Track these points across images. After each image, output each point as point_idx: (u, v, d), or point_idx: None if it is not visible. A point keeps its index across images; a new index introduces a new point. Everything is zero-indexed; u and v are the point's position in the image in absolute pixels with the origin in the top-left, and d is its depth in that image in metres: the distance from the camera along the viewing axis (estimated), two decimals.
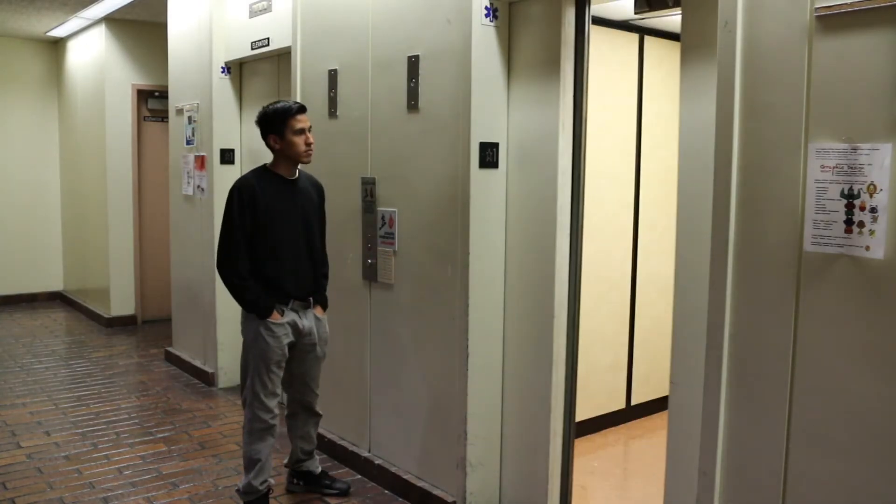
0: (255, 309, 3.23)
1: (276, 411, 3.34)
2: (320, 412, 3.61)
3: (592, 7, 3.90)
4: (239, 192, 3.22)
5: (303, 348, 3.40)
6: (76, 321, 7.69)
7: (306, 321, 3.37)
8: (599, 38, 4.26)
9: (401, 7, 3.55)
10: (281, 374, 3.34)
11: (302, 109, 3.26)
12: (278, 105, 3.27)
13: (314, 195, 3.44)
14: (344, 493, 3.64)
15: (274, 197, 3.26)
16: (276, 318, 3.25)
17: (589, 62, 3.15)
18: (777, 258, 2.27)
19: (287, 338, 3.30)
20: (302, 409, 3.56)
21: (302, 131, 3.24)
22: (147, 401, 5.14)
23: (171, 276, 6.20)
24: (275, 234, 3.25)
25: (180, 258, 5.99)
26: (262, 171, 3.33)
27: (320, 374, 3.55)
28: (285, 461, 3.74)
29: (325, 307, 3.50)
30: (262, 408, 3.28)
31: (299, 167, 3.40)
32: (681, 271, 2.72)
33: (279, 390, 3.36)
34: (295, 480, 3.69)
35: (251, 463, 3.32)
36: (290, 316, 3.31)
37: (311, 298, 3.40)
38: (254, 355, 3.26)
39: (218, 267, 3.26)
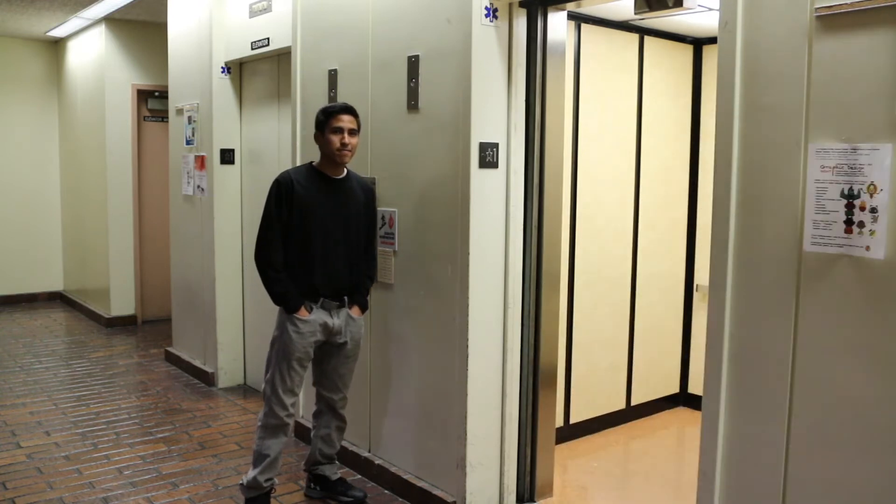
0: (283, 302, 3.24)
1: (292, 410, 3.34)
2: (345, 417, 3.55)
3: (591, 7, 3.93)
4: (278, 186, 3.25)
5: (332, 346, 3.39)
6: (76, 321, 7.69)
7: (337, 320, 3.34)
8: (599, 38, 4.27)
9: (401, 7, 3.55)
10: (303, 372, 3.33)
11: (345, 110, 3.29)
12: (327, 105, 3.38)
13: (361, 196, 3.41)
14: (360, 502, 3.56)
15: (313, 194, 3.27)
16: (302, 314, 3.24)
17: (546, 65, 3.34)
18: (777, 258, 2.27)
19: (314, 336, 3.28)
20: (327, 407, 3.52)
21: (339, 130, 3.25)
22: (147, 401, 5.14)
23: (171, 276, 6.20)
24: (309, 231, 3.25)
25: (180, 258, 5.99)
26: (307, 167, 3.37)
27: (351, 376, 3.51)
28: (303, 464, 3.70)
29: (363, 308, 3.45)
30: (279, 403, 3.28)
31: (347, 168, 3.42)
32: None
33: (298, 389, 3.35)
34: (312, 485, 3.64)
35: (260, 458, 3.31)
36: (319, 314, 3.29)
37: (346, 298, 3.37)
38: (277, 349, 3.28)
39: (255, 257, 3.28)
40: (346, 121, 3.27)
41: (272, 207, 3.24)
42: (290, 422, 3.34)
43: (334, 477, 3.63)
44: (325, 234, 3.28)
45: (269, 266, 3.23)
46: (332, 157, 3.29)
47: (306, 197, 3.25)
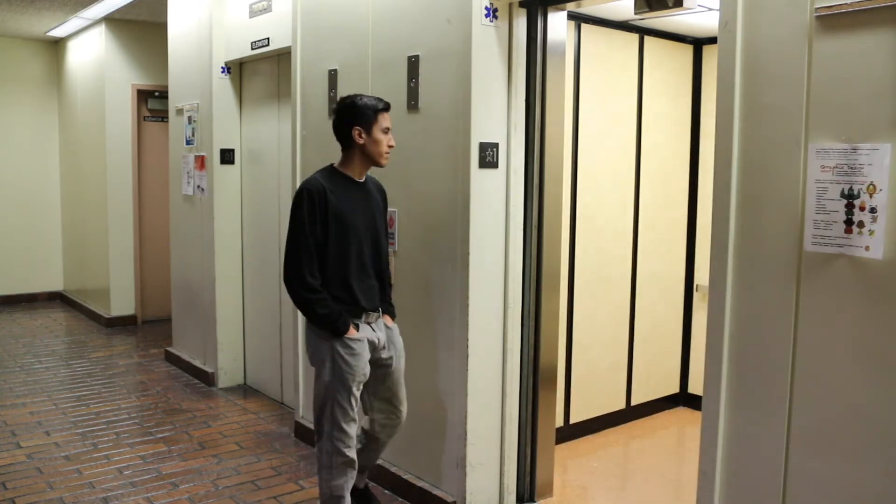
0: (330, 325, 2.87)
1: (356, 441, 3.03)
2: (388, 440, 3.24)
3: (591, 7, 3.93)
4: (309, 195, 2.88)
5: (381, 365, 3.08)
6: (76, 321, 7.69)
7: (380, 333, 3.05)
8: (599, 38, 4.27)
9: (401, 7, 3.55)
10: (359, 395, 3.00)
11: (388, 108, 3.02)
12: (366, 97, 2.97)
13: (378, 198, 3.13)
14: None
15: (344, 200, 2.94)
16: (352, 333, 2.91)
17: (546, 65, 3.33)
18: (777, 258, 2.27)
19: (367, 354, 2.97)
20: (380, 430, 3.18)
21: (388, 130, 2.97)
22: (147, 401, 5.14)
23: (171, 276, 6.20)
24: (346, 241, 2.93)
25: (180, 258, 5.99)
26: (331, 171, 3.01)
27: (405, 390, 3.22)
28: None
29: (393, 316, 3.18)
30: (344, 438, 2.94)
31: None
32: None
33: (356, 415, 3.00)
34: None
35: (333, 500, 2.99)
36: (365, 330, 2.99)
37: (379, 308, 3.10)
38: (331, 381, 2.91)
39: (285, 280, 2.92)
40: (390, 120, 3.00)
41: (304, 221, 2.86)
42: (355, 455, 3.01)
43: (361, 485, 3.38)
44: (359, 243, 2.98)
45: (305, 287, 2.86)
46: (373, 158, 2.98)
47: (339, 205, 2.92)
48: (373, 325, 3.04)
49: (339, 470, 2.98)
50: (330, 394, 2.92)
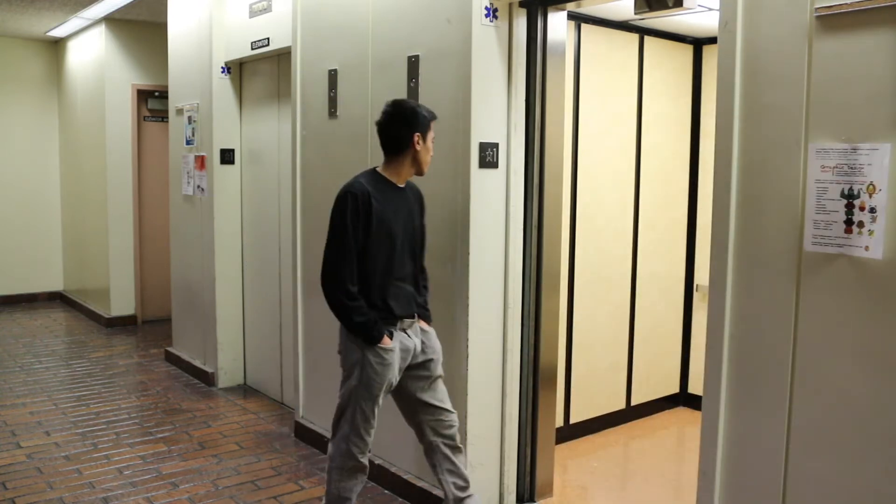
0: (365, 333, 2.84)
1: (370, 448, 3.00)
2: (461, 446, 3.11)
3: (591, 7, 3.93)
4: (353, 199, 2.81)
5: (420, 371, 3.01)
6: (76, 321, 7.69)
7: (416, 339, 2.99)
8: (599, 38, 4.27)
9: (401, 7, 3.55)
10: (382, 403, 2.96)
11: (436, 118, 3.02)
12: (421, 105, 2.97)
13: (416, 203, 3.07)
14: None
15: (386, 205, 2.88)
16: (386, 342, 2.86)
17: (546, 65, 3.33)
18: (777, 258, 2.27)
19: (397, 363, 2.92)
20: (442, 441, 3.06)
21: (433, 140, 2.98)
22: (147, 401, 5.14)
23: (171, 276, 6.20)
24: (386, 247, 2.88)
25: (180, 258, 5.99)
26: (374, 175, 2.94)
27: (446, 394, 3.12)
28: None
29: (428, 320, 3.09)
30: (360, 443, 2.92)
31: None
32: None
33: (375, 423, 2.97)
34: None
35: (340, 500, 2.99)
36: (399, 338, 2.94)
37: (415, 314, 3.02)
38: (357, 387, 2.89)
39: (322, 283, 2.86)
40: None
41: (347, 224, 2.80)
42: (367, 462, 2.99)
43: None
44: (398, 249, 2.93)
45: (344, 292, 2.82)
46: (421, 166, 2.95)
47: (383, 211, 2.85)
48: (408, 332, 2.98)
49: (350, 473, 2.97)
50: (355, 398, 2.90)
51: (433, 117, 2.94)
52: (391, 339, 2.90)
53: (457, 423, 3.10)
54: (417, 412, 3.05)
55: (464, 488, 3.11)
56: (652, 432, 4.59)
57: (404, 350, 2.95)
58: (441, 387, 3.08)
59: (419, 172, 2.99)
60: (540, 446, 3.51)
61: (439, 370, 3.06)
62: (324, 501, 3.06)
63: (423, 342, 3.02)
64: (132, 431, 4.53)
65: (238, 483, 3.80)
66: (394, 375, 2.92)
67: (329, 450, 3.02)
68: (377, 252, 2.86)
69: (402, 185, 2.98)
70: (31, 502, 3.56)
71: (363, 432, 2.92)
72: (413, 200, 3.04)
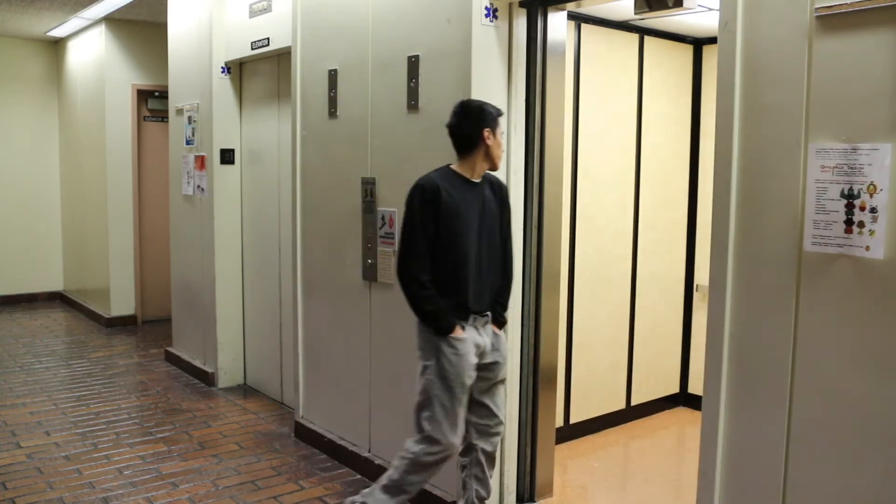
0: (434, 321, 2.87)
1: (457, 446, 2.94)
2: (495, 458, 3.12)
3: (591, 7, 3.93)
4: (422, 192, 2.88)
5: (485, 372, 3.00)
6: (76, 321, 7.69)
7: (486, 338, 2.98)
8: (599, 38, 4.27)
9: (401, 7, 3.55)
10: (465, 401, 2.93)
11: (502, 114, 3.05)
12: (486, 102, 3.00)
13: (494, 198, 3.06)
14: None
15: (458, 200, 2.91)
16: (457, 333, 2.87)
17: (546, 65, 3.33)
18: (777, 258, 2.27)
19: (472, 357, 2.91)
20: (482, 445, 3.06)
21: (502, 134, 3.02)
22: (147, 401, 5.14)
23: (171, 276, 6.20)
24: (457, 242, 2.91)
25: (180, 258, 5.99)
26: (447, 171, 2.97)
27: (505, 398, 3.14)
28: None
29: (500, 324, 3.07)
30: (441, 439, 2.87)
31: None
32: None
33: (462, 422, 2.94)
34: None
35: (399, 491, 2.93)
36: (470, 333, 2.93)
37: (489, 313, 3.02)
38: (433, 379, 2.88)
39: (398, 274, 2.93)
40: None
41: (416, 217, 2.87)
42: (446, 459, 2.93)
43: None
44: (472, 243, 2.94)
45: (417, 282, 2.86)
46: (494, 159, 2.98)
47: (454, 205, 2.89)
48: (479, 329, 2.97)
49: (422, 467, 2.92)
50: (432, 392, 2.89)
51: (499, 113, 2.98)
52: (463, 330, 2.90)
53: (502, 433, 3.12)
54: (469, 410, 3.02)
55: (483, 500, 3.11)
56: (652, 432, 4.59)
57: (476, 345, 2.94)
58: (501, 392, 3.09)
59: (493, 167, 3.02)
60: (540, 446, 3.51)
61: (503, 374, 3.07)
62: (384, 483, 2.98)
63: (492, 343, 3.01)
64: (132, 431, 4.53)
65: (238, 483, 3.80)
66: (470, 368, 2.89)
67: (409, 442, 2.95)
68: (449, 245, 2.90)
69: (476, 181, 2.99)
70: (31, 502, 3.56)
71: (447, 430, 2.87)
72: (491, 196, 3.04)
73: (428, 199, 2.87)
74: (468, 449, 3.07)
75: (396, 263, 2.96)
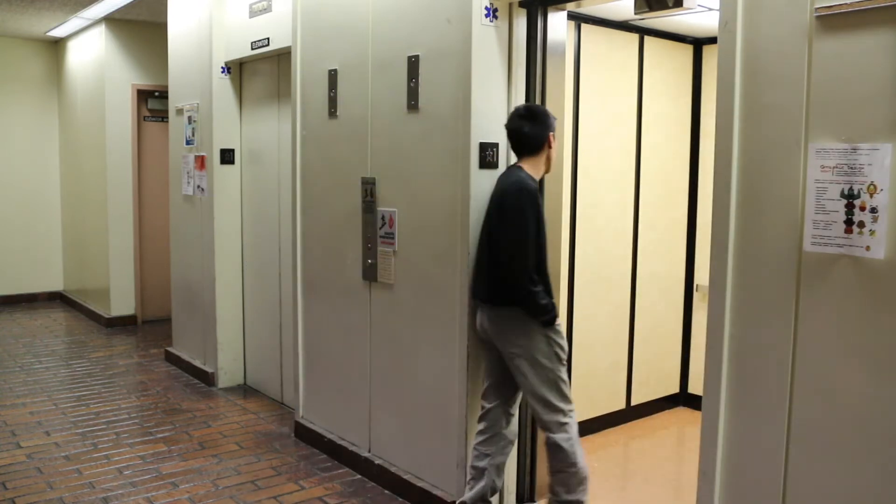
0: (548, 313, 2.97)
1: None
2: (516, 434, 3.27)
3: (591, 7, 3.93)
4: (532, 196, 2.96)
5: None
6: (76, 321, 7.69)
7: None
8: (599, 38, 4.27)
9: (401, 7, 3.55)
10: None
11: None
12: (538, 106, 3.15)
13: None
14: None
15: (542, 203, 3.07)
16: (559, 321, 3.05)
17: (546, 65, 3.33)
18: (777, 258, 2.27)
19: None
20: (510, 437, 3.20)
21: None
22: (147, 401, 5.14)
23: (171, 276, 6.20)
24: (545, 241, 3.03)
25: (180, 258, 5.99)
26: (525, 173, 3.04)
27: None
28: (464, 498, 3.20)
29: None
30: (572, 413, 3.04)
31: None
32: None
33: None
34: None
35: (583, 481, 3.02)
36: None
37: None
38: (552, 365, 3.01)
39: (512, 275, 2.95)
40: None
41: (530, 219, 2.94)
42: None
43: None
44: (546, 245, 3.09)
45: (532, 281, 2.94)
46: (551, 163, 3.12)
47: (542, 205, 3.04)
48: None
49: (579, 444, 3.04)
50: (552, 378, 3.01)
51: (555, 119, 3.11)
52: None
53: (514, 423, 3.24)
54: (508, 399, 3.17)
55: (494, 492, 3.19)
56: (652, 432, 4.59)
57: None
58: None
59: (549, 170, 3.16)
60: (540, 446, 3.51)
61: None
62: (575, 478, 3.02)
63: None
64: (132, 431, 4.53)
65: (238, 483, 3.80)
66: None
67: (555, 439, 3.00)
68: (543, 244, 3.03)
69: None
70: (31, 502, 3.56)
71: (570, 402, 3.05)
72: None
73: (537, 202, 2.98)
74: (496, 437, 3.16)
75: (509, 264, 2.95)
